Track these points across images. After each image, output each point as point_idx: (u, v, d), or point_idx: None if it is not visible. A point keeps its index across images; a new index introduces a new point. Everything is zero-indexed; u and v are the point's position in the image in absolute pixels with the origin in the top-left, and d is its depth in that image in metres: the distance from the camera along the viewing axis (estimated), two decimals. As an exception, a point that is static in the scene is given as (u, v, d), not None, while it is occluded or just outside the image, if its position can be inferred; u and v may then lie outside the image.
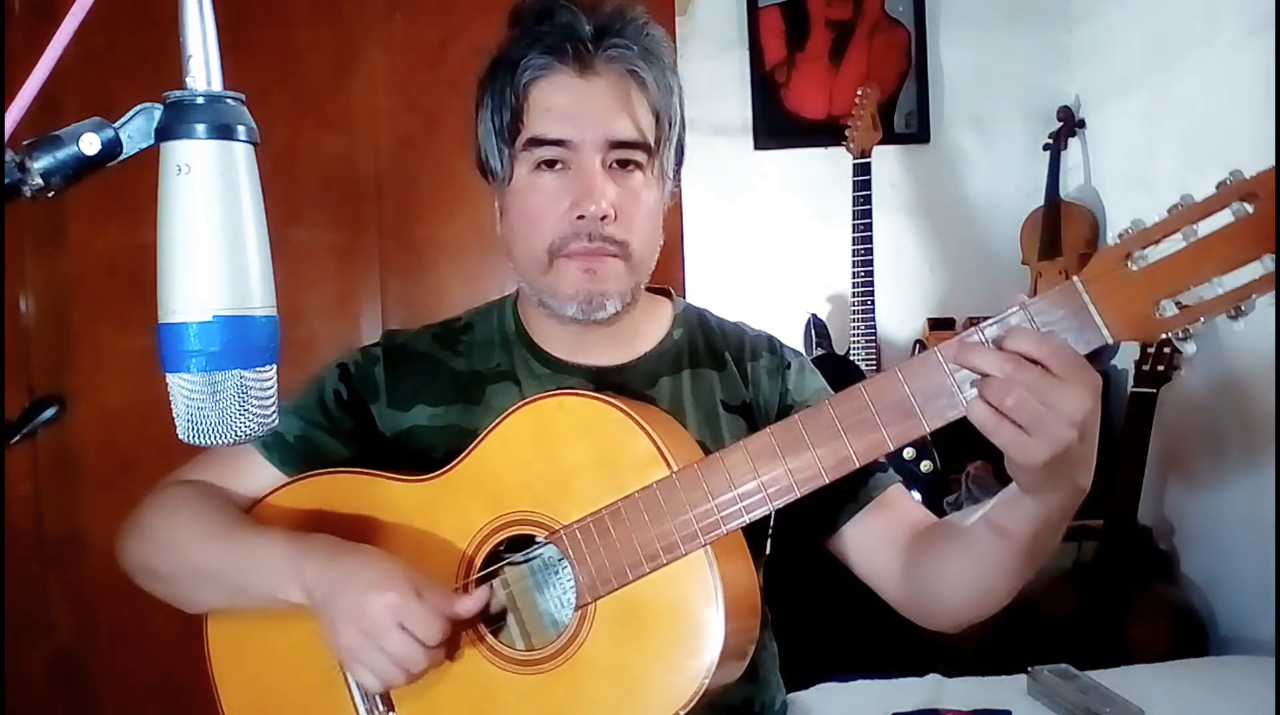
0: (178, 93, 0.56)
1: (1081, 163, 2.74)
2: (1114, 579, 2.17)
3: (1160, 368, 2.16)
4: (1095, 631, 2.14)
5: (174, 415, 0.58)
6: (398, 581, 0.92)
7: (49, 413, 1.20)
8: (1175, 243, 0.77)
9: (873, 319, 2.50)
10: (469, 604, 0.95)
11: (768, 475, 0.91)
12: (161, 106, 0.56)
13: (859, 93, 2.56)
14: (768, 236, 2.77)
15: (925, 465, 2.15)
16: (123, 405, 2.09)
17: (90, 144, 0.55)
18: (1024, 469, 0.82)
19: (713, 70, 2.74)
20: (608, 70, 1.02)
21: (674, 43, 2.27)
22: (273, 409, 0.61)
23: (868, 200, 2.49)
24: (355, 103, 2.19)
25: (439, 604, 0.93)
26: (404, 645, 0.91)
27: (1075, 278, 0.80)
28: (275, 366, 0.61)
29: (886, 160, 2.69)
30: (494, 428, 1.01)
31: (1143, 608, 2.16)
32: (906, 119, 2.80)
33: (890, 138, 2.70)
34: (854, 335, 2.51)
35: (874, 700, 1.59)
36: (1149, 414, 2.17)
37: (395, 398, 1.12)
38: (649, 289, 1.16)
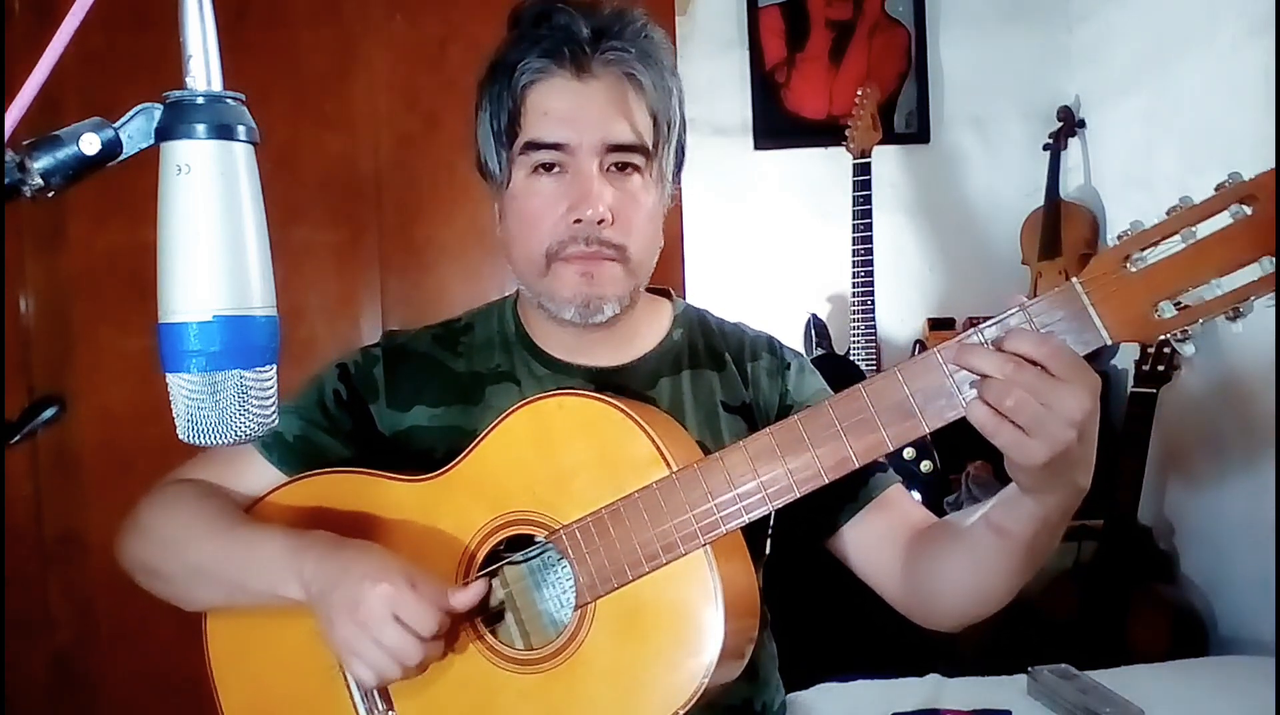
0: (178, 93, 0.56)
1: (1081, 163, 2.74)
2: (1114, 579, 2.17)
3: (1160, 368, 2.16)
4: (1095, 631, 2.14)
5: (174, 415, 0.58)
6: (392, 573, 0.92)
7: (49, 413, 1.20)
8: (1174, 244, 0.78)
9: (873, 319, 2.50)
10: (464, 597, 0.95)
11: (767, 475, 0.91)
12: (161, 106, 0.56)
13: (859, 93, 2.56)
14: (768, 236, 2.77)
15: (925, 465, 2.15)
16: (123, 405, 2.09)
17: (90, 144, 0.55)
18: (1023, 469, 0.82)
19: (713, 70, 2.74)
20: (605, 73, 1.01)
21: (674, 43, 2.27)
22: (273, 409, 0.61)
23: (868, 200, 2.49)
24: (355, 103, 2.19)
25: (434, 596, 0.93)
26: (399, 637, 0.91)
27: (1074, 279, 0.80)
28: (275, 366, 0.61)
29: (886, 160, 2.69)
30: (494, 427, 1.01)
31: (1143, 608, 2.16)
32: (906, 119, 2.80)
33: (890, 138, 2.70)
34: (854, 335, 2.51)
35: (874, 700, 1.59)
36: (1149, 414, 2.17)
37: (395, 398, 1.12)
38: (649, 289, 1.16)
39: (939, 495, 2.20)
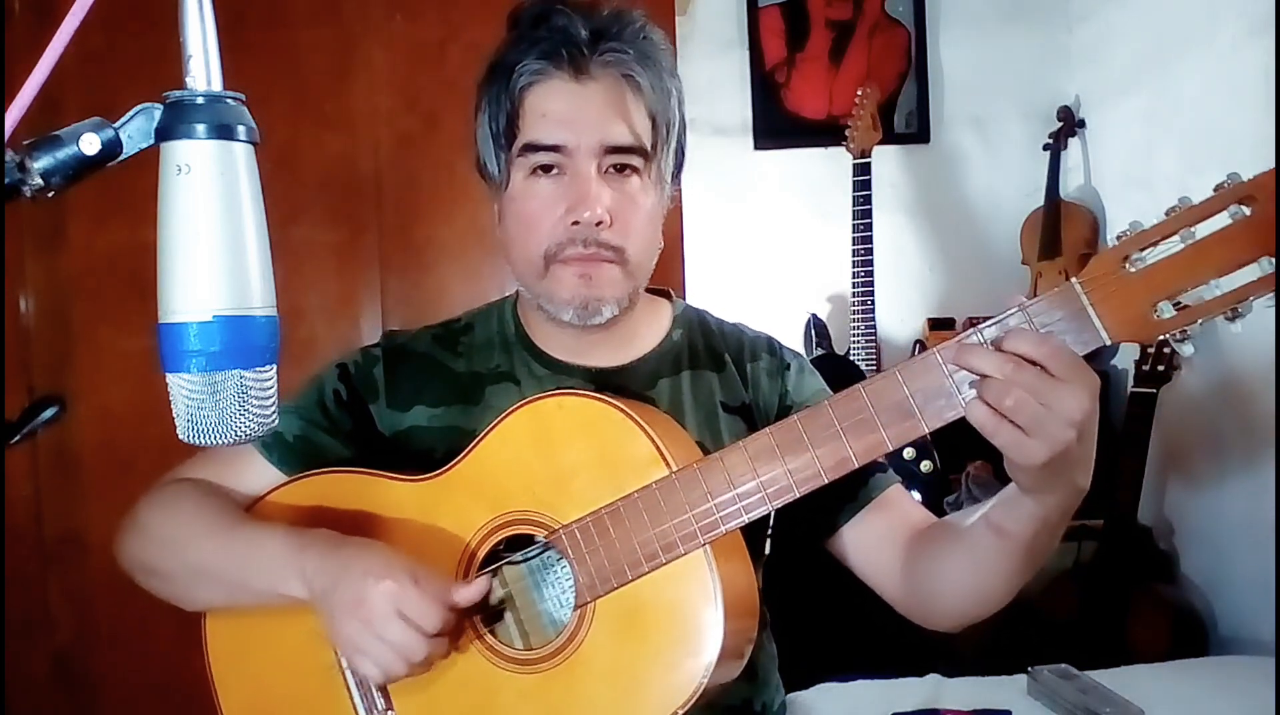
0: (178, 93, 0.56)
1: (1081, 163, 2.74)
2: (1114, 579, 2.17)
3: (1160, 368, 2.16)
4: (1095, 631, 2.14)
5: (174, 415, 0.58)
6: (396, 570, 0.92)
7: (49, 413, 1.20)
8: (1173, 245, 0.78)
9: (873, 319, 2.50)
10: (468, 592, 0.95)
11: (767, 475, 0.91)
12: (161, 106, 0.56)
13: (859, 93, 2.56)
14: (768, 237, 2.77)
15: (925, 465, 2.15)
16: (123, 405, 2.09)
17: (90, 144, 0.55)
18: (1023, 469, 0.82)
19: (713, 70, 2.74)
20: (603, 75, 1.01)
21: (674, 43, 2.27)
22: (273, 409, 0.61)
23: (868, 200, 2.49)
24: (355, 103, 2.19)
25: (438, 592, 0.93)
26: (403, 633, 0.91)
27: (1073, 279, 0.80)
28: (275, 366, 0.61)
29: (886, 160, 2.70)
30: (494, 427, 1.01)
31: (1143, 608, 2.16)
32: (906, 119, 2.80)
33: (890, 138, 2.70)
34: (854, 335, 2.51)
35: (874, 700, 1.59)
36: (1149, 414, 2.17)
37: (394, 398, 1.12)
38: (648, 290, 1.16)
39: (939, 495, 2.20)
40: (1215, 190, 0.76)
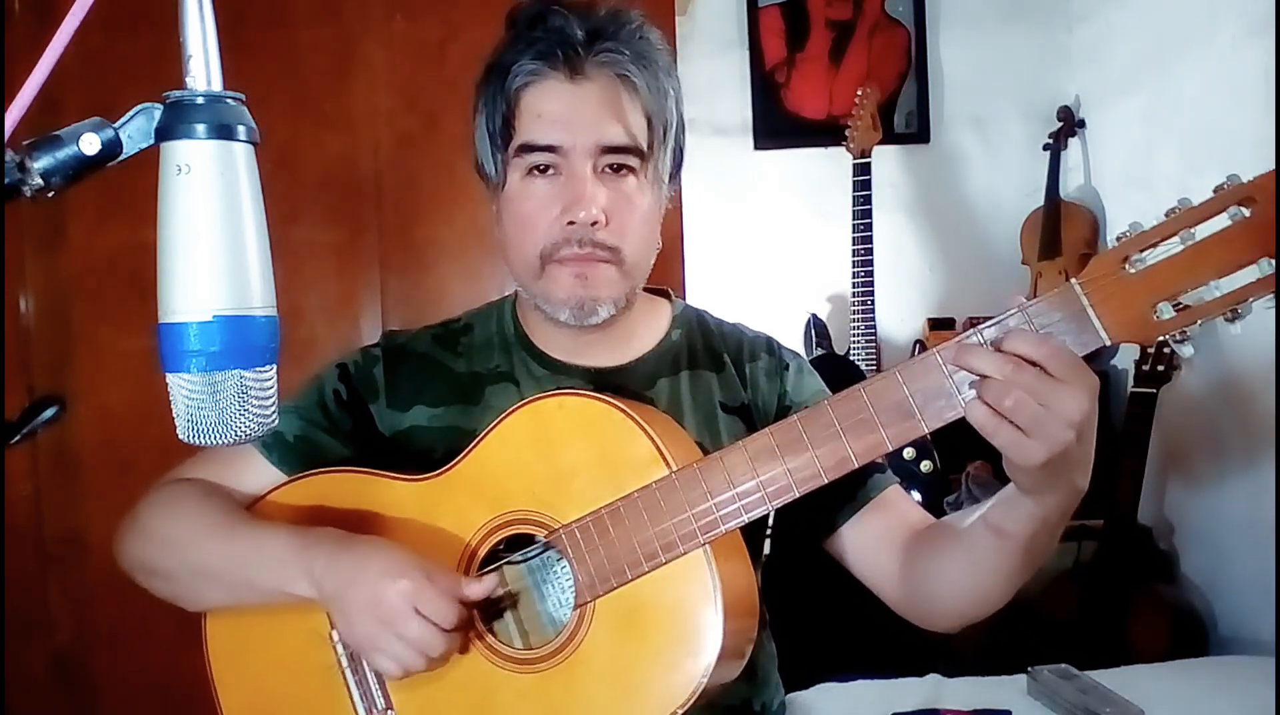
0: (178, 93, 0.56)
1: (1081, 163, 2.74)
2: (1114, 579, 2.17)
3: (1160, 368, 2.16)
4: (1095, 631, 2.14)
5: (174, 415, 0.58)
6: (410, 568, 0.93)
7: (49, 413, 1.20)
8: (1173, 246, 0.78)
9: (873, 319, 2.50)
10: (478, 588, 0.96)
11: (766, 475, 0.91)
12: (161, 106, 0.56)
13: (859, 93, 2.56)
14: (768, 237, 2.77)
15: (925, 465, 2.15)
16: (123, 405, 2.09)
17: (90, 144, 0.55)
18: (1022, 470, 0.82)
19: (713, 70, 2.74)
20: (598, 75, 1.01)
21: (674, 43, 2.27)
22: (273, 409, 0.61)
23: (868, 200, 2.49)
24: (355, 103, 2.19)
25: (450, 587, 0.94)
26: (422, 630, 0.92)
27: (1073, 280, 0.81)
28: (275, 366, 0.61)
29: (886, 160, 2.69)
30: (494, 427, 1.01)
31: (1143, 608, 2.16)
32: (906, 119, 2.80)
33: (890, 138, 2.70)
34: (854, 335, 2.51)
35: (874, 700, 1.59)
36: (1149, 414, 2.17)
37: (395, 398, 1.12)
38: (648, 290, 1.16)
39: (939, 495, 2.20)
40: (1215, 192, 0.76)
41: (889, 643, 1.67)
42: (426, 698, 1.00)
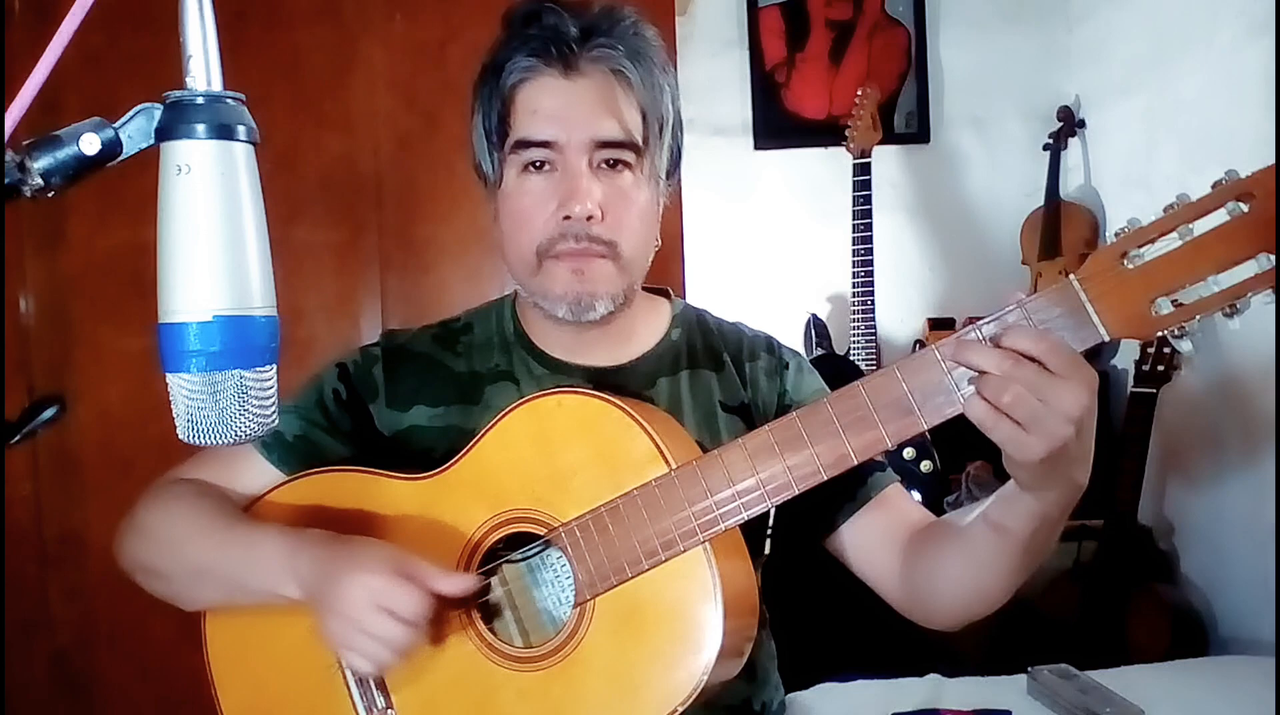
0: (178, 93, 0.56)
1: (1081, 163, 2.74)
2: (1114, 579, 2.17)
3: (1160, 368, 2.16)
4: (1095, 631, 2.14)
5: (174, 415, 0.59)
6: (376, 562, 0.92)
7: (49, 413, 1.20)
8: (1171, 241, 0.78)
9: (873, 319, 2.50)
10: (451, 584, 0.94)
11: (766, 472, 0.91)
12: (161, 106, 0.56)
13: (859, 93, 2.56)
14: (768, 236, 2.77)
15: (925, 465, 2.15)
16: (123, 405, 2.09)
17: (90, 144, 0.55)
18: (1022, 465, 0.82)
19: (713, 70, 2.74)
20: (593, 70, 1.01)
21: (674, 43, 2.27)
22: (273, 409, 0.61)
23: (868, 200, 2.49)
24: (355, 103, 2.19)
25: (422, 580, 0.92)
26: (385, 625, 0.90)
27: (1072, 276, 0.81)
28: (275, 366, 0.61)
29: (886, 160, 2.69)
30: (493, 426, 1.01)
31: (1143, 608, 2.16)
32: (906, 119, 2.80)
33: (890, 138, 2.70)
34: (854, 335, 2.51)
35: (874, 700, 1.59)
36: (1149, 414, 2.17)
37: (394, 398, 1.12)
38: (647, 289, 1.16)
39: (939, 495, 2.20)
40: (1213, 187, 0.76)
41: (889, 643, 1.68)
42: (427, 696, 1.00)
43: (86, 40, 0.59)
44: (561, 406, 0.99)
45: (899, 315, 2.75)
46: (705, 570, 0.93)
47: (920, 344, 2.71)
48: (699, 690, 0.91)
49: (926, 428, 0.85)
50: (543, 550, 1.04)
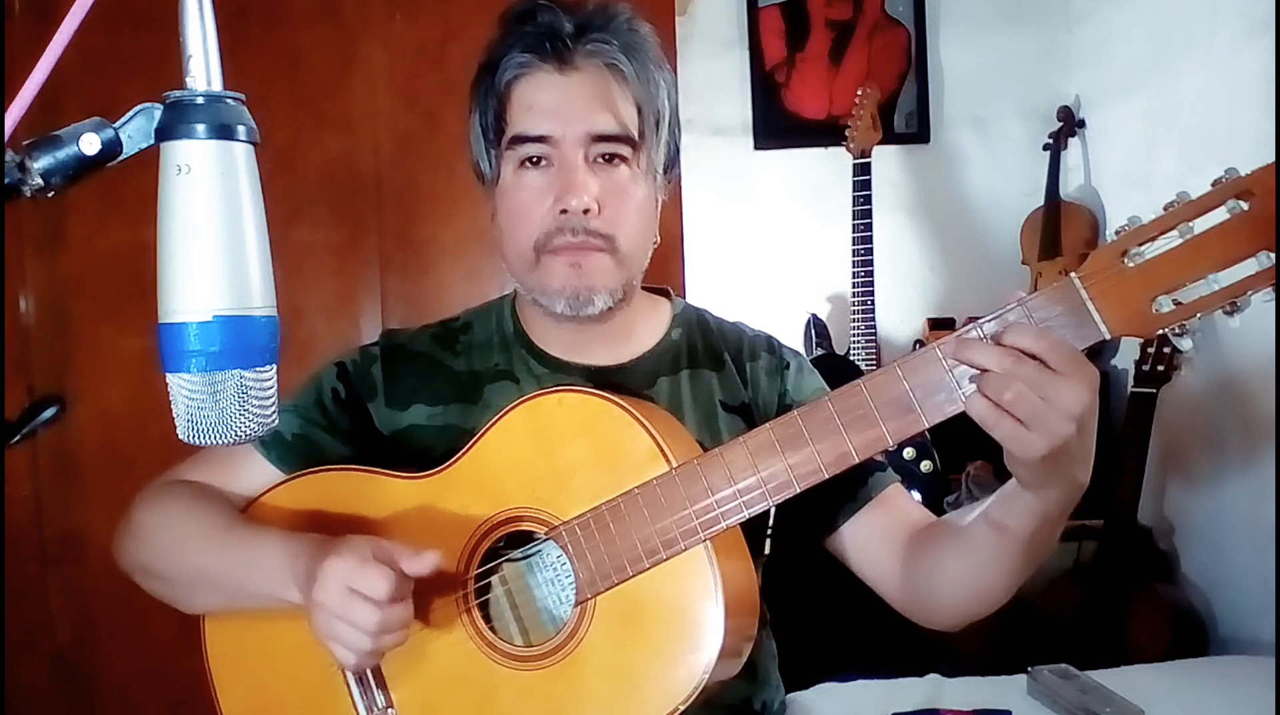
0: (178, 93, 0.56)
1: (1081, 163, 2.74)
2: (1114, 579, 2.17)
3: (1160, 368, 2.16)
4: (1095, 631, 2.14)
5: (174, 415, 0.59)
6: (348, 550, 0.91)
7: (49, 413, 1.21)
8: (1171, 240, 0.78)
9: (873, 319, 2.50)
10: (421, 562, 0.92)
11: (767, 471, 0.91)
12: (161, 106, 0.56)
13: (859, 93, 2.56)
14: (768, 236, 2.77)
15: (925, 465, 2.15)
16: (123, 405, 2.09)
17: (90, 144, 0.55)
18: (1023, 463, 0.82)
19: (713, 70, 2.74)
20: (587, 65, 1.02)
21: (674, 43, 2.27)
22: (273, 409, 0.61)
23: (868, 200, 2.49)
24: (355, 103, 2.19)
25: (392, 561, 0.91)
26: (356, 608, 0.89)
27: (1072, 274, 0.81)
28: (275, 366, 0.61)
29: (886, 160, 2.69)
30: (493, 424, 1.01)
31: (1143, 608, 2.16)
32: (906, 119, 2.80)
33: (890, 138, 2.70)
34: (854, 335, 2.51)
35: (874, 700, 1.59)
36: (1149, 414, 2.17)
37: (393, 397, 1.12)
38: (648, 289, 1.16)
39: (939, 495, 2.20)
40: (1213, 185, 0.77)
41: (889, 643, 1.68)
42: (427, 695, 1.00)
43: (86, 40, 0.59)
44: (562, 405, 0.99)
45: (899, 315, 2.74)
46: (706, 569, 0.93)
47: (920, 344, 2.71)
48: (700, 689, 0.91)
49: (927, 426, 0.85)
50: (543, 549, 1.04)
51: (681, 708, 0.91)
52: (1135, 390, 2.20)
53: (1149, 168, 2.44)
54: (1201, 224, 0.77)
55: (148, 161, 0.57)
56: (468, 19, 2.12)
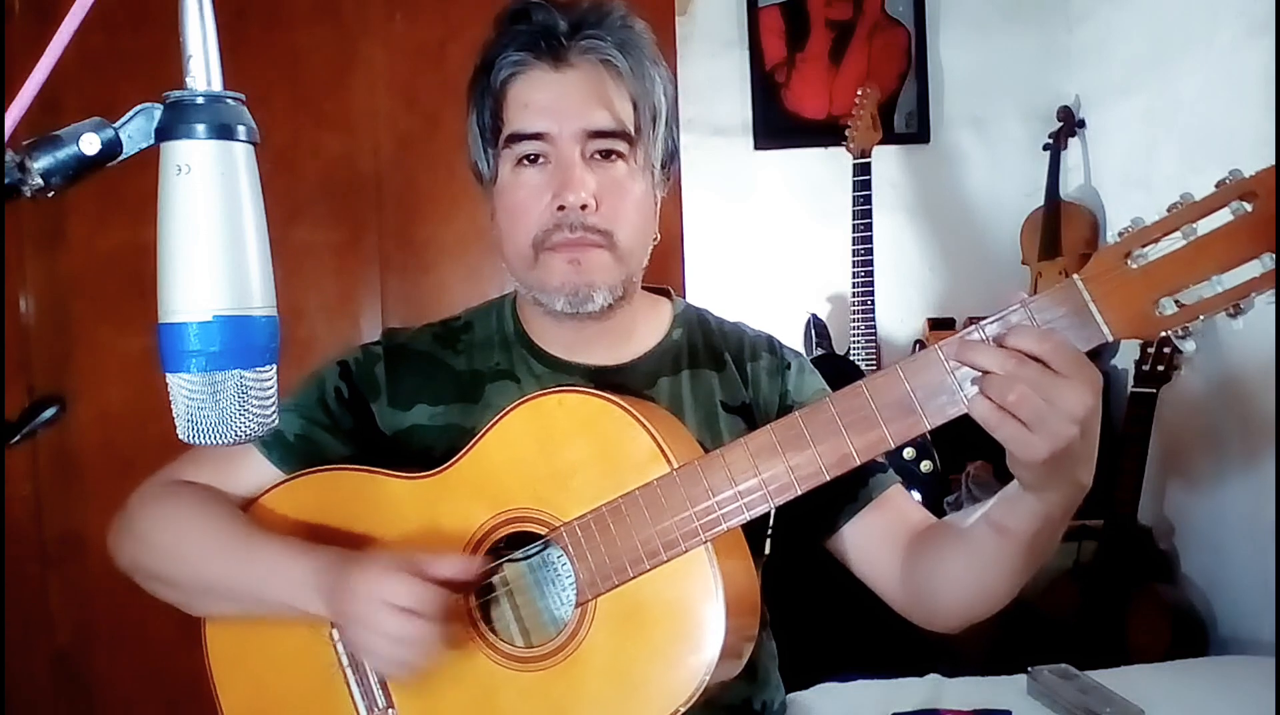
0: (178, 93, 0.56)
1: (1081, 163, 2.74)
2: (1114, 579, 2.17)
3: (1160, 368, 2.16)
4: (1095, 631, 2.14)
5: (174, 415, 0.58)
6: (379, 564, 0.93)
7: (49, 413, 1.21)
8: (1175, 241, 0.78)
9: (873, 319, 2.50)
10: (452, 565, 0.94)
11: (768, 472, 0.91)
12: (161, 106, 0.56)
13: (859, 93, 2.56)
14: (768, 236, 2.77)
15: (925, 465, 2.15)
16: (123, 405, 2.09)
17: (90, 144, 0.55)
18: (1026, 465, 0.82)
19: (713, 70, 2.74)
20: (582, 62, 1.02)
21: (674, 43, 2.26)
22: (273, 409, 0.61)
23: (868, 200, 2.49)
24: (355, 103, 2.19)
25: (423, 570, 0.92)
26: (401, 623, 0.90)
27: (1075, 276, 0.80)
28: (275, 366, 0.61)
29: (886, 160, 2.69)
30: (494, 425, 1.01)
31: (1143, 608, 2.16)
32: (906, 119, 2.80)
33: (890, 138, 2.69)
34: (854, 335, 2.51)
35: (874, 700, 1.58)
36: (1149, 414, 2.17)
37: (396, 397, 1.12)
38: (648, 289, 1.16)
39: (939, 495, 2.20)
40: (1217, 186, 0.76)
41: (889, 643, 1.67)
42: (428, 696, 1.00)
43: (86, 40, 0.58)
44: (563, 405, 0.99)
45: (899, 315, 2.74)
46: (707, 569, 0.93)
47: (920, 344, 2.71)
48: (701, 690, 0.91)
49: (929, 428, 0.85)
50: (544, 550, 1.03)
51: (683, 709, 0.91)
52: (1135, 390, 2.20)
53: (1149, 168, 2.44)
54: (1205, 225, 0.77)
55: (148, 161, 0.57)
56: (468, 19, 2.11)
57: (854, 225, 2.49)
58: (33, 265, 2.12)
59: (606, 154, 1.03)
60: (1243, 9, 2.09)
